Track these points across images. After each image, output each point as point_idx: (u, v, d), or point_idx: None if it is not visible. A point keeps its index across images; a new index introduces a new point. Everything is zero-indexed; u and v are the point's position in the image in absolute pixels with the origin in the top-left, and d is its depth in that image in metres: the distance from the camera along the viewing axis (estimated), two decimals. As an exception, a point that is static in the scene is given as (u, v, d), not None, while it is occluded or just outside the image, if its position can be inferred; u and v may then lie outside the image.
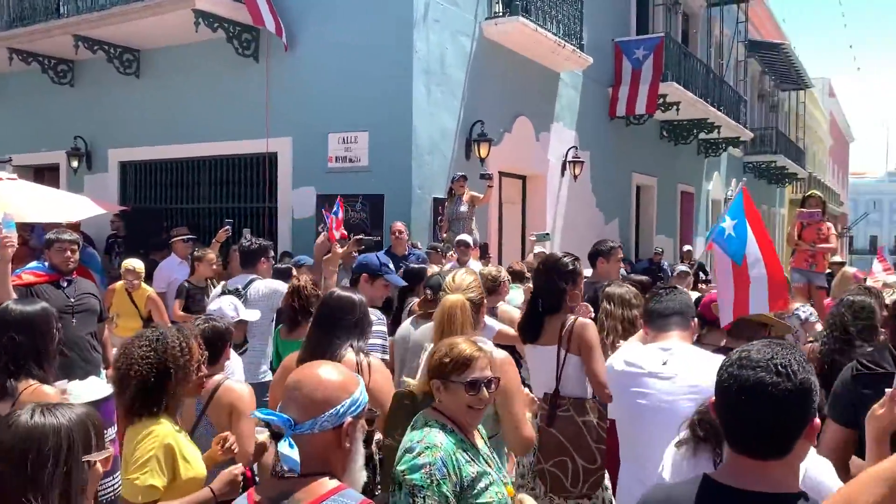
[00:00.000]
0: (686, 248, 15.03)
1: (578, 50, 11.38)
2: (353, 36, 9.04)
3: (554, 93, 12.03)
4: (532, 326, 3.73)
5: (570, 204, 12.55)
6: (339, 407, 1.74)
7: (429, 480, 2.16)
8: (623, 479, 3.10)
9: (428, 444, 2.23)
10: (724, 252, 3.84)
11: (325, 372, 1.80)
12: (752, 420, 1.55)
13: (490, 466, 2.35)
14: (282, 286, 5.16)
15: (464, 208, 8.66)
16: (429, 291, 4.26)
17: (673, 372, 2.86)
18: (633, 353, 3.07)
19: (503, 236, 11.11)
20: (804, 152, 30.35)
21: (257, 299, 5.25)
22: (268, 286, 5.39)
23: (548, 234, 8.77)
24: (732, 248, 3.81)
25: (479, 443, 2.43)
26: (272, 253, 6.08)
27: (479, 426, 2.50)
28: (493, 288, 5.04)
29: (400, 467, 2.23)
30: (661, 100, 13.49)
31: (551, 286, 3.71)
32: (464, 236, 7.85)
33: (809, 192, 8.62)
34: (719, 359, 2.64)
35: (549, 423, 3.54)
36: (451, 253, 7.58)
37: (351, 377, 1.85)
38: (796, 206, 31.77)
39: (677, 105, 13.93)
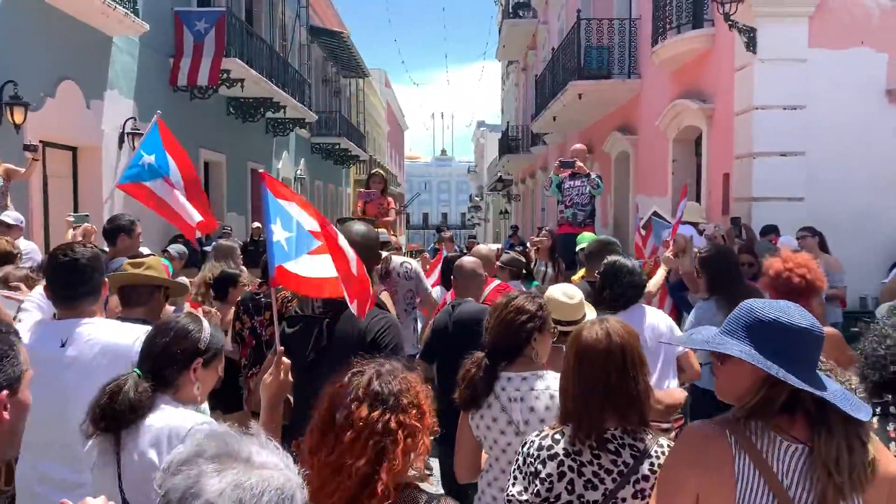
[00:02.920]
0: (255, 224, 15.24)
1: (133, 14, 10.64)
2: None
3: (106, 58, 11.07)
4: None
5: (131, 179, 11.73)
6: None
7: None
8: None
9: None
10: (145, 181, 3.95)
11: None
12: None
13: None
14: None
15: (-4, 182, 7.49)
16: None
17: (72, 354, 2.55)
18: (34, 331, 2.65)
19: (49, 215, 9.90)
20: (365, 137, 33.13)
21: None
22: None
23: (87, 215, 8.03)
24: (152, 176, 3.91)
25: None
26: None
27: None
28: None
29: None
30: (225, 75, 13.38)
31: None
32: (6, 215, 6.79)
33: (374, 171, 9.26)
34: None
35: None
36: None
37: None
38: (360, 186, 34.46)
39: (242, 82, 13.97)
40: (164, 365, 2.20)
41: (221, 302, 5.21)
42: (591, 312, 3.41)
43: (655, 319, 3.80)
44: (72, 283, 2.66)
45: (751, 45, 7.97)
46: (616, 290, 3.76)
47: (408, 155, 77.64)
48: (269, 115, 17.25)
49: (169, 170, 3.74)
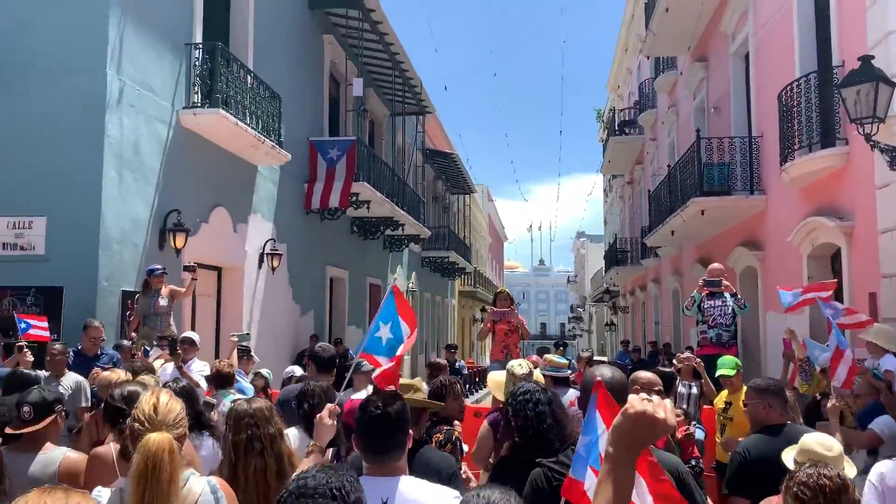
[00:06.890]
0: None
1: (277, 146, 11.55)
2: (33, 110, 8.17)
3: (252, 185, 11.99)
4: None
5: (268, 296, 12.40)
6: None
7: None
8: None
9: None
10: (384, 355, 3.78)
11: None
12: None
13: None
14: None
15: (164, 302, 8.12)
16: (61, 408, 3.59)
17: None
18: None
19: (196, 331, 10.51)
20: (469, 249, 33.78)
21: None
22: None
23: (248, 333, 8.61)
24: (388, 353, 3.78)
25: None
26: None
27: None
28: None
29: None
30: (354, 198, 14.16)
31: None
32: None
33: (500, 290, 9.42)
34: None
35: None
36: (152, 351, 6.99)
37: None
38: (464, 297, 34.53)
39: (368, 203, 14.73)
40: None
41: None
42: (850, 468, 3.17)
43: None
44: (381, 436, 2.65)
45: (893, 163, 7.83)
46: None
47: (507, 265, 78.20)
48: (387, 232, 17.98)
49: (400, 345, 3.76)
